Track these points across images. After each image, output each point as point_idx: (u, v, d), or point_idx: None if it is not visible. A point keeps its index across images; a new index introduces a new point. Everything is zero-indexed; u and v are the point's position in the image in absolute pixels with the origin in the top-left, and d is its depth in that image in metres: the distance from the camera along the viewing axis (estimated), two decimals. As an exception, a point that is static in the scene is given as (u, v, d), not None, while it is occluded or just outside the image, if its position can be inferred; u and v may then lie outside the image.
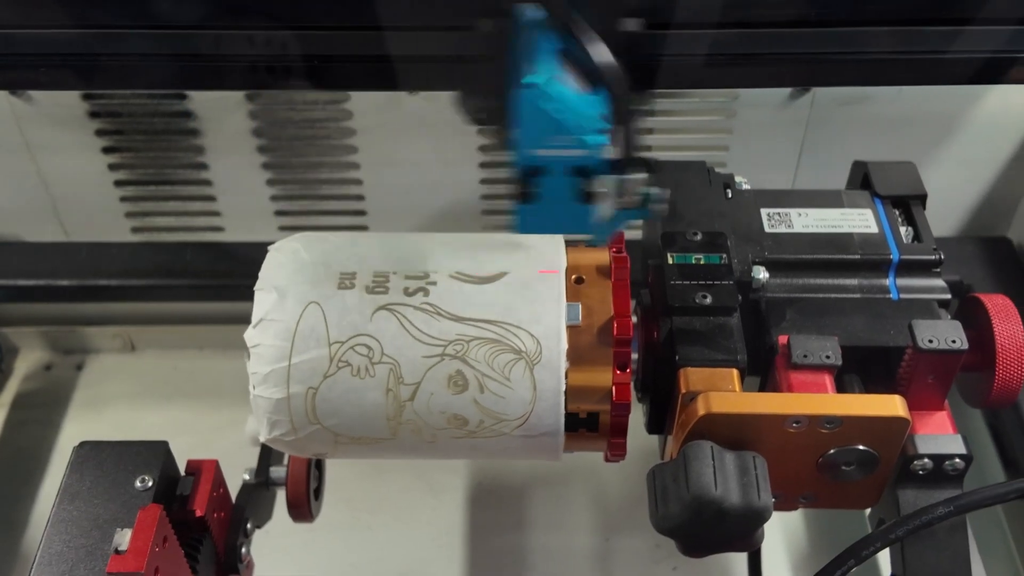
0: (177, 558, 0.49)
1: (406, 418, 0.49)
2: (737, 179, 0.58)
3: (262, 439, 0.50)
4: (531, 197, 0.45)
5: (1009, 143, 0.80)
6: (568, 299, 0.49)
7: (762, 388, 0.53)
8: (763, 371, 0.52)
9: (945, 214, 0.85)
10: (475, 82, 0.49)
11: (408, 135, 0.79)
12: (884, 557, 0.51)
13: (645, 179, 0.46)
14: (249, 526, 0.57)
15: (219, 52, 0.64)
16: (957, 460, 0.49)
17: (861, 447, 0.47)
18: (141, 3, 0.62)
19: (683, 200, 0.56)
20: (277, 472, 0.60)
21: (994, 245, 0.83)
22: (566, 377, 0.48)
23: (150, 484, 0.50)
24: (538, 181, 0.45)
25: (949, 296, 0.53)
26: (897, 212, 0.56)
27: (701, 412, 0.45)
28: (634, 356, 0.50)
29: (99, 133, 0.79)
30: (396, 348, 0.48)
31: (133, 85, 0.73)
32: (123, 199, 0.84)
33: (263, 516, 0.60)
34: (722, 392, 0.47)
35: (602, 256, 0.51)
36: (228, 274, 0.83)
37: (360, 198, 0.83)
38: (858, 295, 0.53)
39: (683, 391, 0.47)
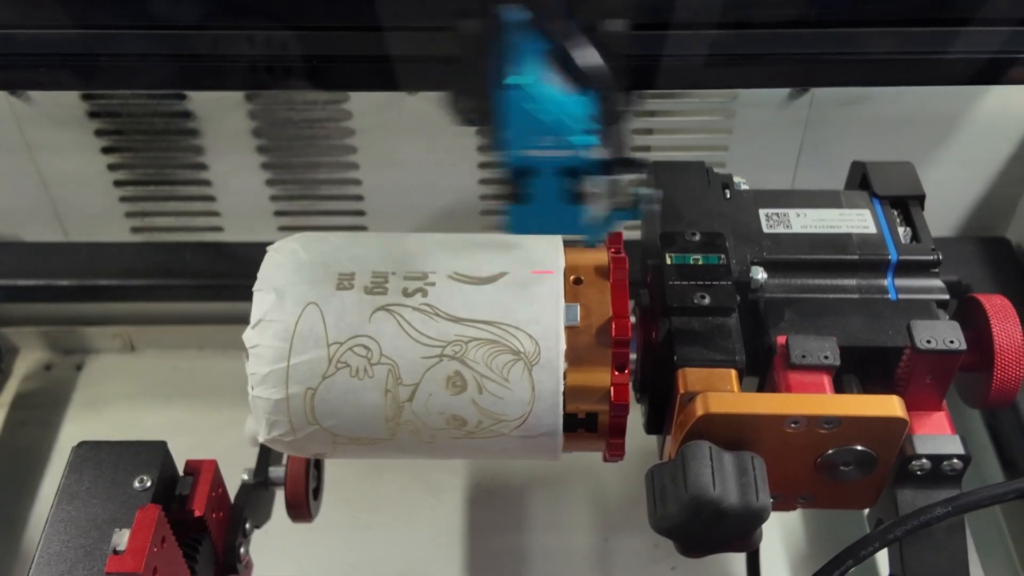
0: (176, 558, 0.49)
1: (405, 419, 0.49)
2: (736, 179, 0.58)
3: (261, 439, 0.50)
4: (522, 197, 0.45)
5: (1008, 143, 0.80)
6: (567, 300, 0.49)
7: (760, 388, 0.53)
8: (761, 371, 0.52)
9: (944, 214, 0.85)
10: (462, 83, 0.49)
11: (407, 135, 0.79)
12: (883, 557, 0.51)
13: (637, 179, 0.46)
14: (248, 526, 0.57)
15: (219, 52, 0.64)
16: (955, 460, 0.49)
17: (859, 447, 0.47)
18: (141, 3, 0.62)
19: (682, 200, 0.56)
20: (276, 472, 0.60)
21: (992, 245, 0.83)
22: (564, 378, 0.48)
23: (149, 484, 0.50)
24: (528, 181, 0.45)
25: (947, 296, 0.53)
26: (896, 212, 0.56)
27: (699, 412, 0.45)
28: (633, 356, 0.50)
29: (99, 133, 0.79)
30: (395, 349, 0.48)
31: (133, 85, 0.73)
32: (123, 199, 0.84)
33: (262, 516, 0.60)
34: (720, 392, 0.47)
35: (601, 257, 0.51)
36: (228, 274, 0.83)
37: (359, 198, 0.83)
38: (856, 295, 0.53)
39: (681, 391, 0.47)
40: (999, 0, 0.60)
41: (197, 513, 0.51)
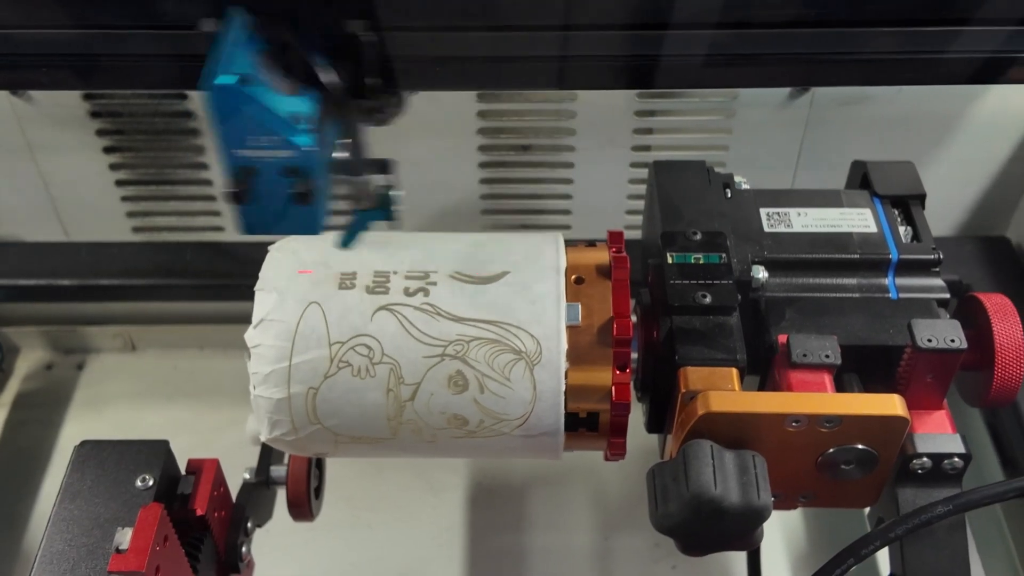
0: (178, 557, 0.49)
1: (406, 418, 0.49)
2: (736, 179, 0.58)
3: (263, 438, 0.51)
4: (241, 197, 0.45)
5: (1008, 143, 0.80)
6: (568, 299, 0.49)
7: (761, 387, 0.53)
8: (762, 370, 0.52)
9: (944, 213, 0.85)
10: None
11: (408, 135, 0.79)
12: (883, 556, 0.51)
13: (381, 180, 0.46)
14: (249, 525, 0.57)
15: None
16: (956, 459, 0.49)
17: (860, 446, 0.47)
18: (142, 3, 0.62)
19: (682, 200, 0.56)
20: (277, 471, 0.60)
21: (993, 244, 0.83)
22: (566, 377, 0.48)
23: (151, 483, 0.50)
24: (250, 180, 0.45)
25: (948, 295, 0.53)
26: (896, 212, 0.56)
27: (701, 411, 0.46)
28: (634, 355, 0.50)
29: (100, 133, 0.79)
30: (396, 348, 0.48)
31: (134, 85, 0.73)
32: (124, 199, 0.84)
33: (263, 515, 0.60)
34: (721, 391, 0.47)
35: (602, 256, 0.51)
36: (228, 274, 0.83)
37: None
38: (857, 294, 0.53)
39: (683, 390, 0.48)
40: (999, 0, 0.60)
41: (199, 512, 0.51)
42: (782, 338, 0.50)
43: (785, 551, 0.77)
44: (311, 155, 0.43)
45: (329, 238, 0.53)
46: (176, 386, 0.89)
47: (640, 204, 0.75)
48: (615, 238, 0.52)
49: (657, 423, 0.53)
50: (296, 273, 0.50)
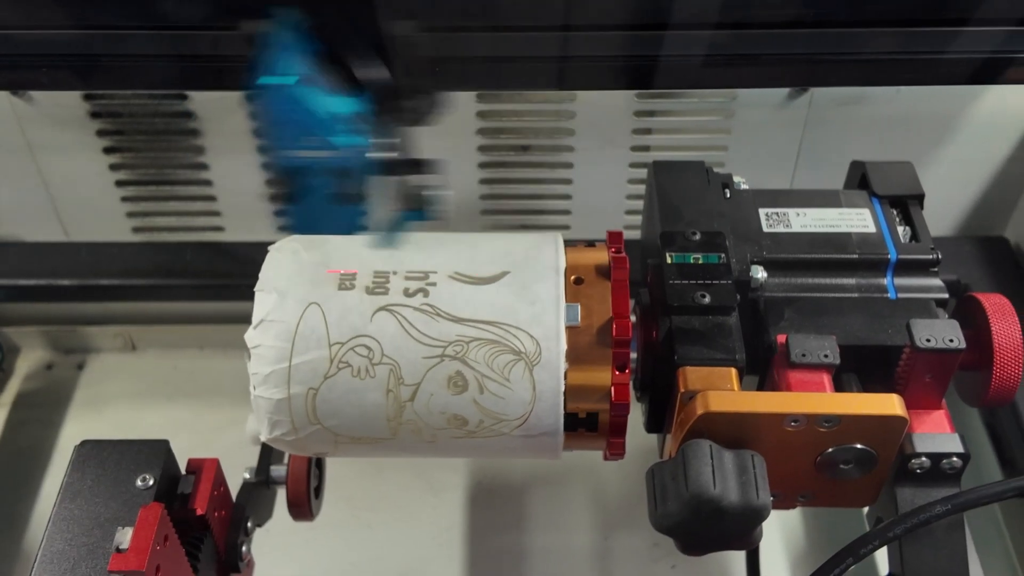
0: (178, 556, 0.49)
1: (406, 418, 0.49)
2: (736, 179, 0.58)
3: (263, 438, 0.51)
4: (288, 198, 0.45)
5: (1006, 143, 0.80)
6: (567, 300, 0.49)
7: (760, 387, 0.53)
8: (761, 370, 0.52)
9: (943, 213, 0.85)
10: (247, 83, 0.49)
11: (407, 135, 0.79)
12: (882, 556, 0.51)
13: (425, 180, 0.46)
14: (250, 525, 0.57)
15: (219, 52, 0.65)
16: (955, 459, 0.49)
17: (859, 446, 0.47)
18: (142, 3, 0.62)
19: (682, 200, 0.56)
20: (277, 471, 0.60)
21: (991, 244, 0.83)
22: (565, 377, 0.48)
23: (151, 483, 0.50)
24: (299, 181, 0.45)
25: (947, 295, 0.53)
26: (895, 212, 0.56)
27: (700, 411, 0.46)
28: (633, 355, 0.50)
29: (100, 133, 0.79)
30: (396, 349, 0.48)
31: (134, 85, 0.73)
32: (124, 199, 0.84)
33: (264, 515, 0.60)
34: (721, 391, 0.47)
35: (601, 256, 0.51)
36: (228, 274, 0.83)
37: (360, 198, 0.83)
38: (856, 294, 0.53)
39: (682, 390, 0.48)
40: (998, 0, 0.60)
41: (199, 512, 0.51)
42: (781, 338, 0.50)
43: (784, 550, 0.78)
44: (360, 156, 0.44)
45: (330, 238, 0.53)
46: (176, 386, 0.89)
47: (639, 204, 0.75)
48: (614, 238, 0.52)
49: (656, 423, 0.53)
50: (294, 273, 0.50)
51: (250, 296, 0.50)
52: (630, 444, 0.51)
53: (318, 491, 0.63)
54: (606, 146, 0.79)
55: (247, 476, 0.59)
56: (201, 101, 0.77)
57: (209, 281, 0.84)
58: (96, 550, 0.47)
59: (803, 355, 0.49)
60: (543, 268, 0.50)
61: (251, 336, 0.49)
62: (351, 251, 0.51)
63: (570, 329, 0.48)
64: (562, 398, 0.48)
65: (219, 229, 0.86)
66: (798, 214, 0.56)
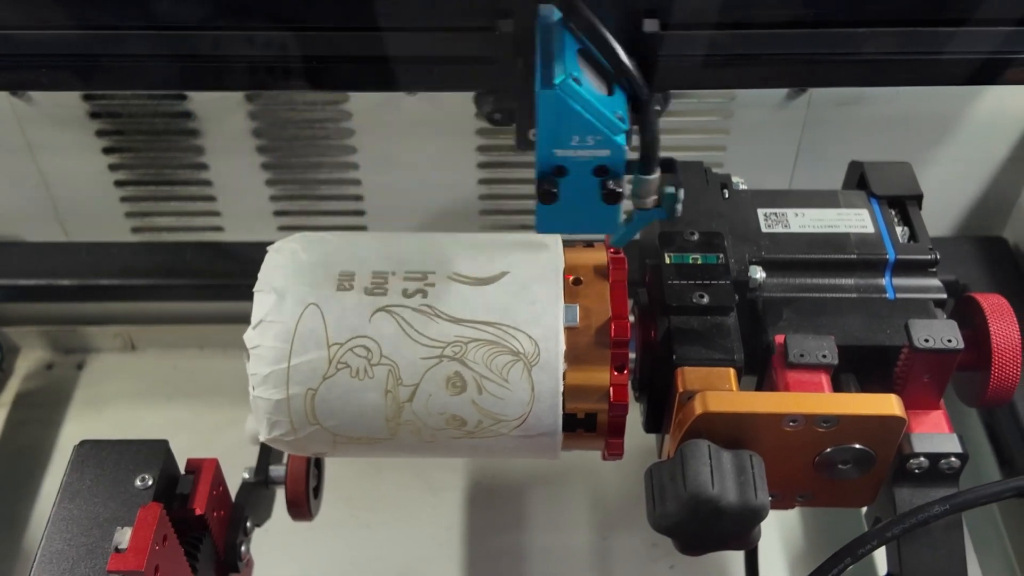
0: (177, 556, 0.49)
1: (405, 419, 0.49)
2: (734, 179, 0.58)
3: (262, 439, 0.51)
4: (552, 197, 0.45)
5: (1005, 143, 0.80)
6: (566, 300, 0.49)
7: (759, 387, 0.53)
8: (760, 370, 0.52)
9: (941, 214, 0.85)
10: (494, 82, 0.49)
11: (407, 135, 0.79)
12: (880, 556, 0.51)
13: (666, 179, 0.46)
14: (249, 524, 0.57)
15: (219, 52, 0.65)
16: (953, 459, 0.49)
17: (857, 446, 0.47)
18: (141, 4, 0.62)
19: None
20: (276, 471, 0.60)
21: (990, 245, 0.83)
22: (564, 378, 0.48)
23: (150, 483, 0.50)
24: (559, 181, 0.45)
25: (945, 296, 0.53)
26: (893, 212, 0.57)
27: (698, 411, 0.46)
28: (632, 355, 0.50)
29: (99, 133, 0.79)
30: (395, 350, 0.48)
31: (133, 86, 0.73)
32: (123, 199, 0.84)
33: (263, 515, 0.60)
34: (719, 391, 0.47)
35: (600, 257, 0.51)
36: (228, 274, 0.83)
37: (359, 198, 0.84)
38: (854, 295, 0.53)
39: (680, 390, 0.48)
40: (997, 0, 0.60)
41: (198, 511, 0.52)
42: (779, 338, 0.50)
43: (782, 550, 0.78)
44: (624, 154, 0.44)
45: (329, 239, 0.53)
46: (176, 386, 0.90)
47: (638, 204, 0.75)
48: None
49: (655, 423, 0.53)
50: (293, 274, 0.50)
51: (249, 296, 0.50)
52: (629, 444, 0.51)
53: (317, 491, 0.63)
54: (605, 146, 0.79)
55: (246, 476, 0.59)
56: (201, 101, 0.77)
57: (209, 281, 0.84)
58: (95, 550, 0.47)
59: (801, 355, 0.49)
60: (542, 269, 0.50)
61: (250, 336, 0.49)
62: (350, 252, 0.51)
63: (569, 330, 0.48)
64: (561, 399, 0.48)
65: (219, 229, 0.86)
66: (796, 214, 0.56)
